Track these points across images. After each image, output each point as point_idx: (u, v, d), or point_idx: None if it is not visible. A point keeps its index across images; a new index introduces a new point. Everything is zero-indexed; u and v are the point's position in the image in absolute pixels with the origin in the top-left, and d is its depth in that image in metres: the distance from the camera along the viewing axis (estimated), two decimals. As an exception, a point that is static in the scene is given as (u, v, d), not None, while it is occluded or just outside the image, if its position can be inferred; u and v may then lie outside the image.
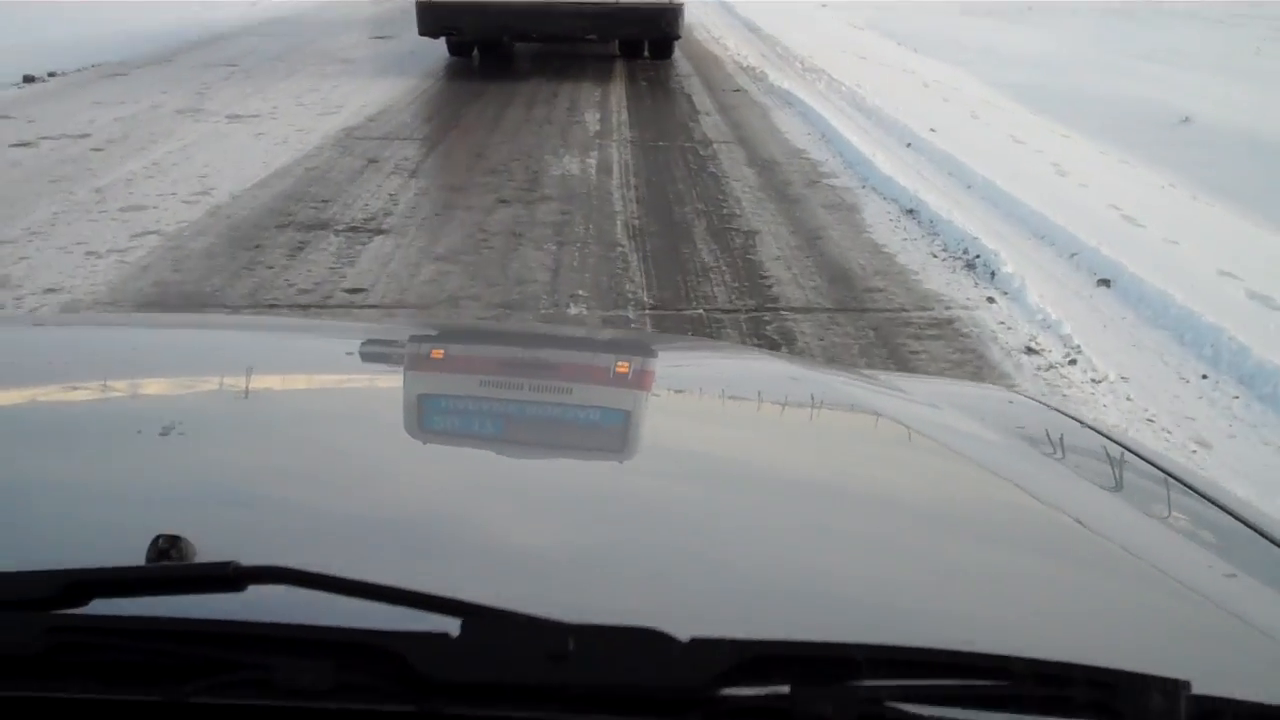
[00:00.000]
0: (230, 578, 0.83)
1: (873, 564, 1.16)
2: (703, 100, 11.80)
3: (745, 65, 13.87)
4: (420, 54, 14.24)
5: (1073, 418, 1.85)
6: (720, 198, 7.76)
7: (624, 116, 10.77)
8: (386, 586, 0.82)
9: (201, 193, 7.42)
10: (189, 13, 20.36)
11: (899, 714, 0.81)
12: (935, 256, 6.44)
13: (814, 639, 0.85)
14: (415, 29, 12.81)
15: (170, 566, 0.90)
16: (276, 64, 13.87)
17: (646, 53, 13.99)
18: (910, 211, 7.35)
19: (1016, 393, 2.39)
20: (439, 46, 14.21)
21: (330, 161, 8.48)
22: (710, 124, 10.51)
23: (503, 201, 7.41)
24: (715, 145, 9.52)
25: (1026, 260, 6.27)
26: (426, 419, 1.55)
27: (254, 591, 0.83)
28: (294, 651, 0.80)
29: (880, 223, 7.17)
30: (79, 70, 13.04)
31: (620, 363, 2.02)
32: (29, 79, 11.99)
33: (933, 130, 9.98)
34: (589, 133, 9.90)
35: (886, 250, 6.58)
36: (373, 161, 8.50)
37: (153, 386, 1.58)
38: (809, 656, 0.83)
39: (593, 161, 8.74)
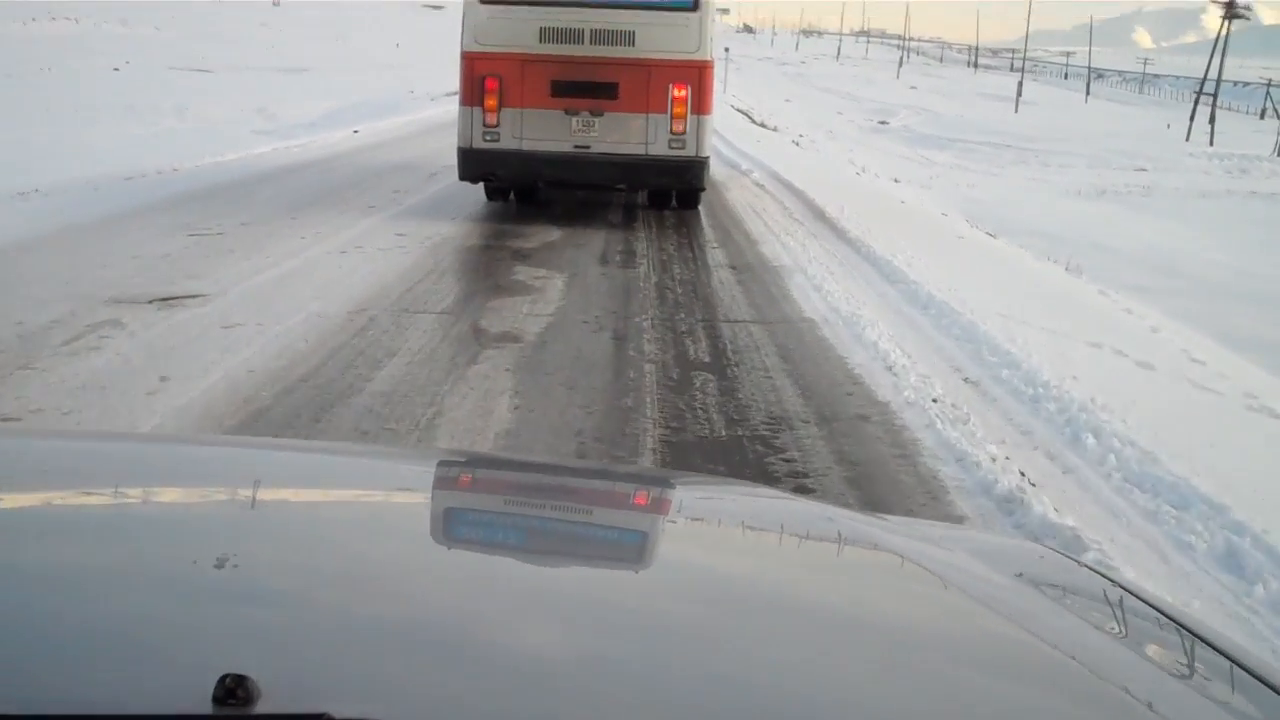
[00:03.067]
0: None
1: (872, 696, 1.11)
2: None
3: (944, 418, 4.91)
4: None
5: (1100, 573, 1.69)
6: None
7: None
8: None
9: None
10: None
11: None
12: None
13: None
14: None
15: (266, 716, 0.86)
16: None
17: (674, 203, 12.80)
18: None
19: (1046, 547, 1.92)
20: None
21: None
22: None
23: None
24: None
25: None
26: (458, 535, 1.53)
27: None
28: None
29: None
30: None
31: (640, 492, 1.95)
32: None
33: None
34: None
35: None
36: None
37: (197, 513, 1.49)
38: None
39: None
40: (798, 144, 26.20)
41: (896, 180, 23.51)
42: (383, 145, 18.78)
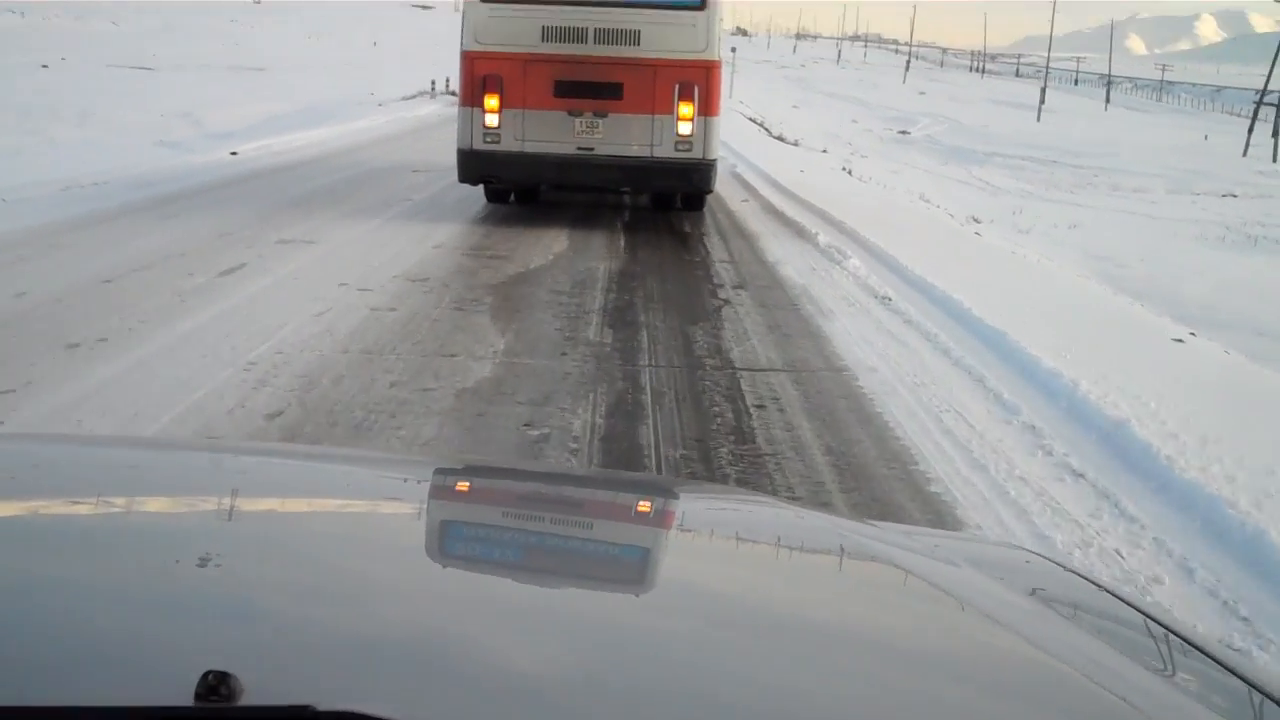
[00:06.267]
0: None
1: (876, 712, 1.02)
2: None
3: None
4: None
5: (1089, 579, 1.63)
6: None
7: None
8: None
9: None
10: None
11: None
12: None
13: None
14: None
15: (251, 709, 0.80)
16: None
17: (679, 204, 11.48)
18: None
19: (1034, 554, 1.83)
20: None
21: None
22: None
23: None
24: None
25: None
26: (451, 546, 1.40)
27: None
28: None
29: None
30: None
31: (642, 502, 1.78)
32: None
33: None
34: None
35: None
36: None
37: (184, 514, 1.40)
38: None
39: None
40: (848, 171, 19.11)
41: (977, 219, 16.62)
42: (256, 176, 11.90)
